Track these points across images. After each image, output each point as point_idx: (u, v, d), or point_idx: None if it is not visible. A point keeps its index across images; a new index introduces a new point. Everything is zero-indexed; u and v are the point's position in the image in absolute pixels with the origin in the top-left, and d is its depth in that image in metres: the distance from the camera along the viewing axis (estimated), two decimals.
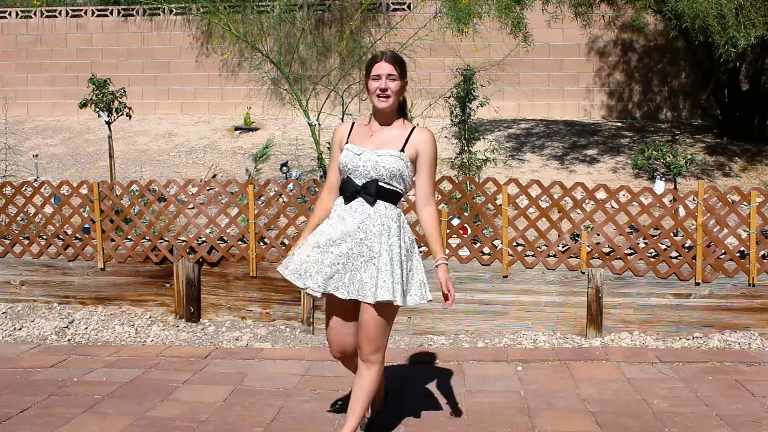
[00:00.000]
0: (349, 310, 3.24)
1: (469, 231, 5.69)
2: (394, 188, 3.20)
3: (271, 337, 5.65)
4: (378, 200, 3.17)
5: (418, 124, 3.32)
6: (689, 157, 6.70)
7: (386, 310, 3.16)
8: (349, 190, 3.19)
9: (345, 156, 3.20)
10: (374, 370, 3.19)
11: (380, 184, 3.16)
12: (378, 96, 3.18)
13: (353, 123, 3.34)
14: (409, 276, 3.20)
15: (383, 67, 3.17)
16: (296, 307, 5.83)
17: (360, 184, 3.17)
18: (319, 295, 3.17)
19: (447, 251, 5.58)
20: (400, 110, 3.30)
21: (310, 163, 9.83)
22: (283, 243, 5.86)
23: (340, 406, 4.02)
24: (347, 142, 3.25)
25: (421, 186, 3.24)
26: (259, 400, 4.16)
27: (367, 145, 3.21)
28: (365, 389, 3.20)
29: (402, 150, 3.18)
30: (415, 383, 4.38)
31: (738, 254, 5.42)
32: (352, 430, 3.19)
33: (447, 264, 3.24)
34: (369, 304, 3.11)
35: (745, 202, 5.44)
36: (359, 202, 3.17)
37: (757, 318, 5.39)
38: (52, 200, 6.37)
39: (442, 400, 4.11)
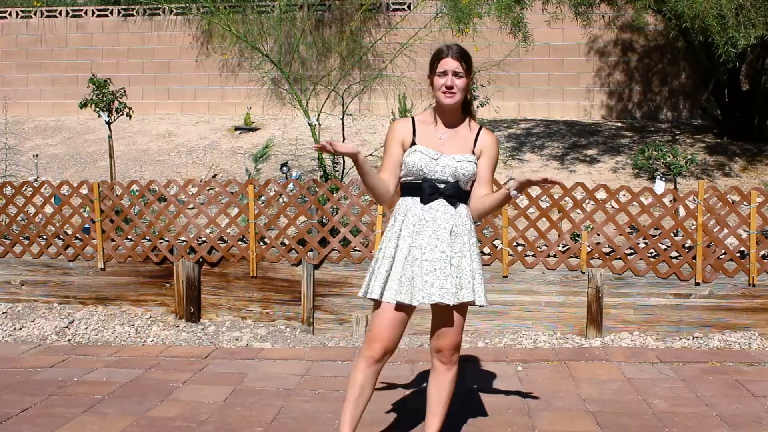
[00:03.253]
0: (410, 311, 3.09)
1: None
2: (468, 190, 3.14)
3: (271, 337, 5.65)
4: (459, 202, 3.09)
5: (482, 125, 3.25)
6: (689, 157, 6.70)
7: (465, 310, 3.13)
8: (428, 192, 3.05)
9: (419, 159, 3.04)
10: (455, 371, 3.15)
11: (460, 186, 3.08)
12: (444, 93, 3.05)
13: (413, 119, 3.17)
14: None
15: (449, 63, 3.03)
16: (296, 307, 5.83)
17: (441, 187, 3.05)
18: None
19: None
20: (465, 107, 3.17)
21: (310, 163, 9.84)
22: (283, 243, 5.86)
23: (341, 407, 4.02)
24: (414, 143, 3.09)
25: (482, 177, 3.14)
26: (259, 400, 4.16)
27: (439, 147, 3.08)
28: (449, 391, 3.15)
29: (473, 152, 3.11)
30: (415, 383, 4.38)
31: (738, 254, 5.42)
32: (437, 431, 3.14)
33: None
34: (452, 305, 3.02)
35: (745, 202, 5.44)
36: (441, 203, 3.05)
37: (757, 318, 5.40)
38: (52, 200, 6.37)
39: None
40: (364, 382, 3.06)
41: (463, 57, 3.06)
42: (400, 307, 3.02)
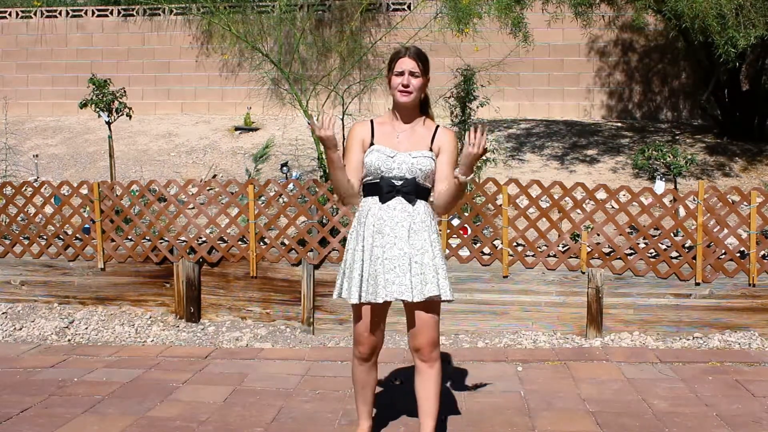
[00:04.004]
0: (383, 309, 3.21)
1: (469, 231, 5.69)
2: (427, 186, 3.20)
3: (271, 337, 5.65)
4: (417, 199, 3.15)
5: (440, 124, 3.30)
6: (689, 157, 6.70)
7: (436, 306, 3.17)
8: (385, 189, 3.13)
9: (376, 158, 3.12)
10: (438, 367, 3.21)
11: (418, 183, 3.14)
12: (400, 91, 3.13)
13: (372, 122, 3.25)
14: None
15: (406, 63, 3.12)
16: (296, 307, 5.83)
17: (398, 184, 3.12)
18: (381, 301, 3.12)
19: (447, 251, 5.59)
20: (422, 107, 3.26)
21: (310, 163, 9.84)
22: (283, 243, 5.86)
23: (341, 407, 4.02)
24: (372, 143, 3.17)
25: (442, 178, 3.19)
26: (260, 400, 4.16)
27: (396, 145, 3.16)
28: (436, 388, 3.21)
29: (430, 149, 3.17)
30: (415, 383, 4.37)
31: (738, 254, 5.42)
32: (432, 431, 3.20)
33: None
34: (419, 302, 3.10)
35: (745, 202, 5.44)
36: (398, 201, 3.13)
37: (757, 318, 5.40)
38: (52, 200, 6.37)
39: (443, 400, 4.10)
40: (363, 377, 3.30)
41: (420, 58, 3.14)
42: (372, 306, 3.14)
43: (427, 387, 3.19)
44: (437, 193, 3.20)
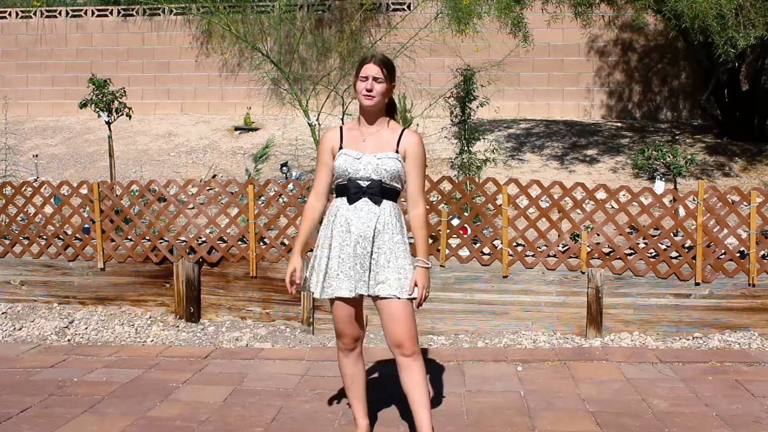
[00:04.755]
0: (356, 302, 3.35)
1: (469, 231, 5.70)
2: (395, 187, 3.32)
3: (271, 337, 5.65)
4: (383, 199, 3.27)
5: (407, 126, 3.40)
6: (689, 157, 6.70)
7: (405, 303, 3.25)
8: (352, 191, 3.26)
9: (344, 161, 3.27)
10: (421, 361, 3.28)
11: (383, 184, 3.26)
12: (364, 95, 3.27)
13: (341, 128, 3.41)
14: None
15: (370, 69, 3.26)
16: (296, 307, 5.84)
17: (364, 185, 3.26)
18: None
19: (447, 251, 5.59)
20: (389, 111, 3.41)
21: (310, 163, 9.84)
22: (283, 243, 5.86)
23: (341, 407, 4.02)
24: (341, 148, 3.33)
25: (411, 187, 3.34)
26: (259, 400, 4.16)
27: (362, 148, 3.30)
28: (422, 381, 3.25)
29: (396, 151, 3.30)
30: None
31: (738, 254, 5.42)
32: (430, 422, 3.22)
33: (427, 269, 3.27)
34: (396, 298, 3.21)
35: (744, 202, 5.44)
36: (365, 202, 3.26)
37: (757, 318, 5.40)
38: (52, 200, 6.37)
39: (442, 400, 4.11)
40: (350, 370, 3.45)
41: (385, 65, 3.28)
42: (345, 300, 3.30)
43: (414, 379, 3.24)
44: (408, 190, 3.35)
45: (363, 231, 3.23)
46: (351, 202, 3.27)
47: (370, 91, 3.25)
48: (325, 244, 3.31)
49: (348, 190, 3.28)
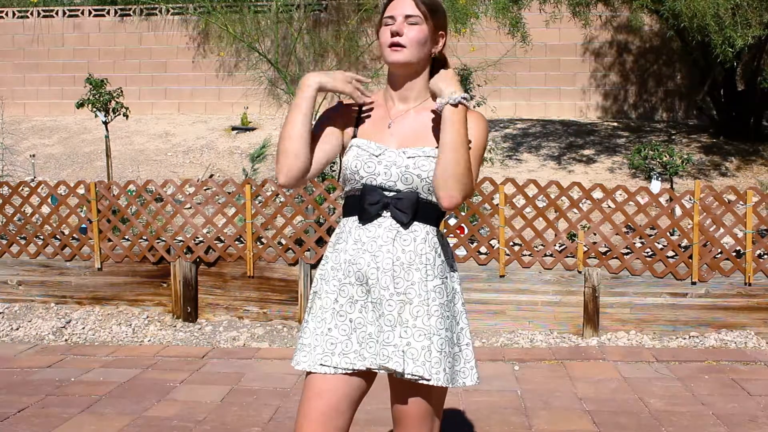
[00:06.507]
0: (346, 384, 2.04)
1: (465, 231, 5.70)
2: (434, 201, 2.07)
3: (268, 336, 5.66)
4: (415, 221, 2.06)
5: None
6: (685, 156, 6.71)
7: (429, 390, 2.04)
8: (369, 202, 2.06)
9: (355, 157, 2.09)
10: None
11: (420, 197, 2.07)
12: (390, 46, 2.04)
13: (360, 105, 2.17)
14: (460, 338, 2.11)
15: (399, 6, 2.04)
16: (294, 306, 5.84)
17: (389, 196, 2.06)
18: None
19: None
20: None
21: None
22: (280, 243, 5.86)
23: None
24: (355, 136, 2.14)
25: None
26: (257, 400, 4.16)
27: (386, 139, 2.09)
28: None
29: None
30: None
31: (734, 253, 5.44)
32: None
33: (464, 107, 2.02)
34: (402, 378, 2.01)
35: (741, 202, 5.45)
36: (385, 218, 2.07)
37: (753, 317, 5.41)
38: (49, 200, 6.37)
39: None
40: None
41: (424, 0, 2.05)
42: (331, 379, 2.05)
43: None
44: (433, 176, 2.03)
45: (381, 262, 2.03)
46: (364, 221, 2.07)
47: (398, 38, 2.01)
48: (323, 286, 2.13)
49: (360, 203, 2.08)
